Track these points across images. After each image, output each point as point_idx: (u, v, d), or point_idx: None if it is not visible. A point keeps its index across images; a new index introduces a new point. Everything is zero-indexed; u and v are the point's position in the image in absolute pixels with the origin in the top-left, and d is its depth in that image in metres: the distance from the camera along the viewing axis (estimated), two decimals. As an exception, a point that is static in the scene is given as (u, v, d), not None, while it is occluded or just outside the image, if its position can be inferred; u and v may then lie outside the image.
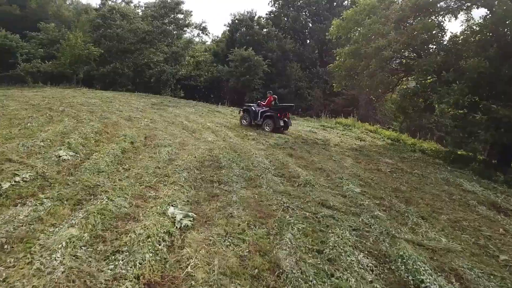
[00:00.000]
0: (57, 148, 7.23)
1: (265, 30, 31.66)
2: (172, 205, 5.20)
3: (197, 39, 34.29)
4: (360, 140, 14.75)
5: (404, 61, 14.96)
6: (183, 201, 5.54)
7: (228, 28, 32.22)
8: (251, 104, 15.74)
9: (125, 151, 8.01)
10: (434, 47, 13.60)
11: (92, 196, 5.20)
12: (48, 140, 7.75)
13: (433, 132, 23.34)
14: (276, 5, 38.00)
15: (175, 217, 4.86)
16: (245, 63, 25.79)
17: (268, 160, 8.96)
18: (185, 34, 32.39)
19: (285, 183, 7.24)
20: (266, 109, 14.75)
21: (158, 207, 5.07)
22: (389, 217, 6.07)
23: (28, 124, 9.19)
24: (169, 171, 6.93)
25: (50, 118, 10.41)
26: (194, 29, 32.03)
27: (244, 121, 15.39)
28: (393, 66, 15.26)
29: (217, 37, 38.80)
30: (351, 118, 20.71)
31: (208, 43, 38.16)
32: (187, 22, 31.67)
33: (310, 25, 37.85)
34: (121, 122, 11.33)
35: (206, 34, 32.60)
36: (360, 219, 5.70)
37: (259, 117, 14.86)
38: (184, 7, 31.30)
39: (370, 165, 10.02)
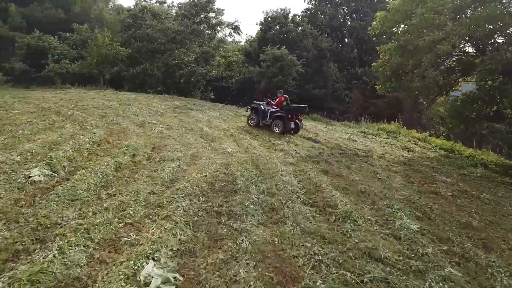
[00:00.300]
0: (33, 165, 5.81)
1: (300, 28, 29.81)
2: (153, 258, 3.63)
3: (229, 39, 32.98)
4: (408, 151, 12.64)
5: (464, 57, 12.70)
6: (172, 249, 3.95)
7: (260, 26, 30.66)
8: (260, 103, 14.48)
9: (120, 168, 6.55)
10: (503, 40, 11.34)
11: (39, 245, 3.68)
12: (29, 153, 6.42)
13: (487, 139, 20.57)
14: (312, 2, 36.13)
15: (150, 284, 3.30)
16: (278, 62, 24.02)
17: (297, 179, 7.22)
18: (216, 33, 31.19)
19: (317, 216, 5.46)
20: (277, 109, 13.57)
21: (131, 262, 3.49)
22: (467, 276, 4.23)
23: (20, 131, 8.00)
24: (165, 198, 5.32)
25: (51, 124, 9.25)
26: (226, 28, 30.75)
27: (252, 121, 14.17)
28: (450, 64, 13.05)
29: (251, 37, 37.44)
30: (395, 123, 18.52)
31: (242, 43, 36.78)
32: (218, 21, 30.43)
33: (349, 22, 35.65)
34: (131, 128, 10.05)
35: (238, 34, 31.20)
36: (427, 285, 3.89)
37: (268, 117, 13.69)
38: (215, 5, 30.19)
39: (424, 186, 8.04)
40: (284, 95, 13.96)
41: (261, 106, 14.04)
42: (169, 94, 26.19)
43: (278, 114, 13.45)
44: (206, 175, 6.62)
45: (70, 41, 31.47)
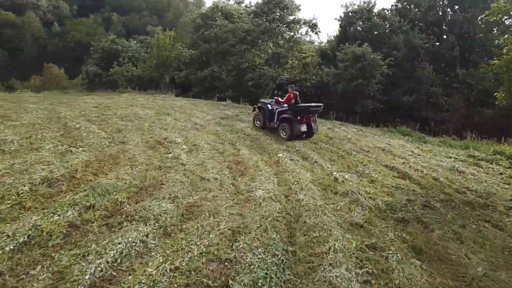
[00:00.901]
0: None
1: (387, 23, 25.32)
2: None
3: (305, 38, 29.64)
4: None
5: None
6: None
7: (340, 22, 26.81)
8: (268, 101, 12.52)
9: (29, 245, 3.78)
10: None
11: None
12: None
13: None
14: (404, -8, 31.10)
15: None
16: (358, 63, 20.11)
17: (362, 276, 3.77)
18: (291, 32, 28.16)
19: None
20: (285, 108, 11.53)
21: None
22: None
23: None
24: None
25: (32, 143, 7.09)
26: (302, 25, 27.54)
27: (258, 122, 12.36)
28: None
29: (332, 37, 33.49)
30: (516, 142, 13.58)
31: (323, 43, 32.85)
32: (293, 18, 27.43)
33: (449, 16, 29.99)
34: (135, 151, 7.60)
35: (316, 33, 27.66)
36: None
37: (275, 119, 11.67)
38: (290, 1, 27.20)
39: None
40: (295, 91, 11.70)
41: (268, 105, 12.11)
42: (238, 99, 23.91)
43: (286, 115, 11.35)
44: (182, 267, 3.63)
45: (144, 44, 31.09)
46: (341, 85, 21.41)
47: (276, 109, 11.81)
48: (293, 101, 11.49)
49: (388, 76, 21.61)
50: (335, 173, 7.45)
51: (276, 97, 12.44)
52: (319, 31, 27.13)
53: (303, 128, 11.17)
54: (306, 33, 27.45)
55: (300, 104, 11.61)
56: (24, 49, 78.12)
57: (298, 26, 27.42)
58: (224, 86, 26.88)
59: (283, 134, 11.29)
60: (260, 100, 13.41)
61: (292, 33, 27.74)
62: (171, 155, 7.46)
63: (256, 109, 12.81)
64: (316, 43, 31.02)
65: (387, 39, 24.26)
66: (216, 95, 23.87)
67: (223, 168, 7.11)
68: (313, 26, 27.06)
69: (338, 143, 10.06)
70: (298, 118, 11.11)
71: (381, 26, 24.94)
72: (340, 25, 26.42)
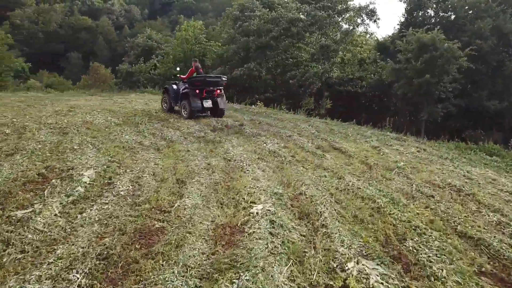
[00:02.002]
0: None
1: (469, 4, 19.39)
2: None
3: (360, 29, 24.33)
4: None
5: None
6: None
7: (406, 6, 21.37)
8: (175, 82, 11.24)
9: None
10: None
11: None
12: None
13: None
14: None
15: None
16: (425, 53, 14.84)
17: None
18: (343, 22, 23.31)
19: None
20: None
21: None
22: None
23: None
24: None
25: None
26: (357, 13, 22.56)
27: (165, 105, 11.35)
28: None
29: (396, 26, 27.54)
30: None
31: (384, 37, 26.96)
32: (346, 5, 22.57)
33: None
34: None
35: (375, 21, 22.41)
36: None
37: (180, 99, 10.53)
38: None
39: None
40: (197, 64, 10.80)
41: (173, 85, 10.96)
42: (278, 102, 19.93)
43: (184, 91, 10.28)
44: None
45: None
46: (401, 84, 16.21)
47: (182, 89, 10.43)
48: (195, 74, 10.45)
49: (467, 72, 16.02)
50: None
51: (179, 75, 11.00)
52: (378, 18, 21.85)
53: (206, 103, 10.04)
54: (362, 22, 22.29)
55: (199, 75, 10.52)
56: (97, 51, 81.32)
57: (352, 14, 22.54)
58: (263, 87, 22.93)
59: (184, 113, 10.22)
60: (167, 82, 12.17)
61: (344, 23, 22.93)
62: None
63: (163, 92, 11.52)
64: (374, 35, 25.53)
65: (468, 25, 18.49)
66: (249, 97, 20.01)
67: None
68: (371, 13, 21.97)
69: (379, 178, 5.70)
70: (197, 92, 9.88)
71: (461, 8, 19.12)
72: (406, 8, 21.08)
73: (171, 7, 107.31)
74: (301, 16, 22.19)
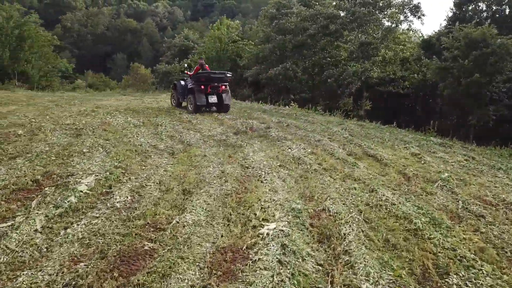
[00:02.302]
0: None
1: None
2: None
3: (403, 26, 22.72)
4: None
5: None
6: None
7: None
8: (183, 78, 11.80)
9: None
10: None
11: None
12: None
13: None
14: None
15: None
16: (474, 50, 13.44)
17: None
18: (384, 20, 21.93)
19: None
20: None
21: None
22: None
23: None
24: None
25: None
26: (400, 9, 21.15)
27: (174, 101, 11.92)
28: None
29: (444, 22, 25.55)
30: None
31: (426, 34, 24.86)
32: (388, 1, 21.20)
33: None
34: None
35: (419, 17, 20.84)
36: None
37: (186, 95, 10.93)
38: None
39: None
40: (202, 61, 11.31)
41: (181, 81, 11.45)
42: (314, 101, 19.20)
43: (190, 86, 10.70)
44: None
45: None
46: (447, 84, 14.85)
47: (188, 84, 10.82)
48: (200, 71, 10.73)
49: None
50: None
51: (186, 71, 11.52)
52: (423, 15, 20.40)
53: (212, 99, 10.44)
54: (405, 19, 20.89)
55: (203, 71, 10.83)
56: (141, 52, 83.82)
57: (395, 10, 21.19)
58: (299, 87, 22.14)
59: (190, 107, 10.65)
60: (176, 79, 12.57)
61: (386, 21, 21.56)
62: None
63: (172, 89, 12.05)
64: (418, 32, 23.78)
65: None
66: (283, 98, 19.32)
67: None
68: (415, 9, 20.51)
69: (418, 192, 4.91)
70: (202, 87, 10.27)
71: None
72: (455, 2, 19.48)
73: (212, 8, 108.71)
74: (340, 13, 21.22)
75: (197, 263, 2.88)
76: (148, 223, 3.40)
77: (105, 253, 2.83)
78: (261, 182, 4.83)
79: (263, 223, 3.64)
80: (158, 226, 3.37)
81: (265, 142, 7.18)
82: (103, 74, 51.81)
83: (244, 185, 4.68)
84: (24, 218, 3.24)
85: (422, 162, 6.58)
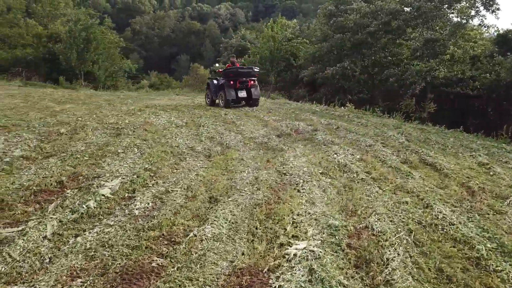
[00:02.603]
0: None
1: None
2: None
3: (474, 21, 20.42)
4: None
5: None
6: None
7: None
8: (215, 78, 11.99)
9: None
10: None
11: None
12: None
13: None
14: None
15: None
16: None
17: None
18: (452, 14, 19.98)
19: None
20: None
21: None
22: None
23: None
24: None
25: None
26: (471, 3, 19.14)
27: (208, 99, 12.02)
28: None
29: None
30: None
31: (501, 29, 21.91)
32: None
33: None
34: None
35: (493, 11, 18.60)
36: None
37: (218, 92, 11.31)
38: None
39: None
40: (233, 60, 11.74)
41: (214, 81, 11.76)
42: (373, 102, 18.15)
43: (220, 83, 11.10)
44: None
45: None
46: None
47: (220, 82, 11.23)
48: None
49: None
50: None
51: (219, 70, 11.80)
52: (497, 9, 18.26)
53: (241, 94, 10.78)
54: (477, 13, 18.77)
55: (232, 67, 11.24)
56: (203, 53, 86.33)
57: (465, 5, 19.23)
58: (357, 87, 21.04)
59: (221, 103, 11.06)
60: (209, 78, 12.83)
61: (455, 16, 19.61)
62: None
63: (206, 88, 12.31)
64: (492, 28, 21.36)
65: None
66: (339, 98, 18.43)
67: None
68: (488, 3, 18.38)
69: (484, 210, 4.11)
70: (231, 83, 10.65)
71: None
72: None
73: (274, 8, 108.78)
74: (403, 8, 19.80)
75: (207, 287, 2.52)
76: (163, 234, 3.11)
77: (107, 269, 2.57)
78: (298, 191, 4.37)
79: (292, 241, 3.19)
80: (172, 239, 3.07)
81: (309, 146, 6.66)
82: (167, 75, 53.94)
83: (278, 194, 4.25)
84: (36, 222, 3.10)
85: (491, 173, 5.66)
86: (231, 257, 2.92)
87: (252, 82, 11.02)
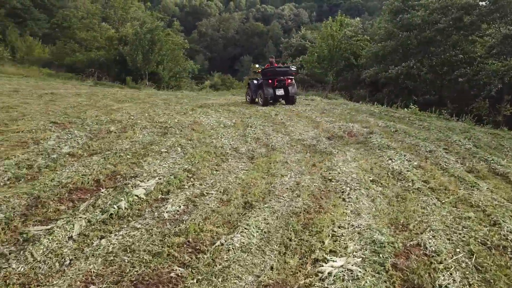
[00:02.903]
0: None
1: None
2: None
3: None
4: None
5: None
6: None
7: None
8: (255, 78, 12.33)
9: None
10: None
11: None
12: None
13: None
14: None
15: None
16: None
17: None
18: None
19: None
20: None
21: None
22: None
23: None
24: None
25: None
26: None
27: (248, 97, 12.42)
28: None
29: None
30: None
31: None
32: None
33: None
34: None
35: None
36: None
37: (257, 91, 11.70)
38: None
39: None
40: (272, 60, 12.16)
41: (254, 81, 12.08)
42: (440, 104, 16.84)
43: (259, 82, 11.54)
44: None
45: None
46: None
47: (260, 82, 11.55)
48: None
49: None
50: None
51: (258, 70, 12.00)
52: None
53: (279, 92, 11.03)
54: None
55: (270, 67, 11.56)
56: (266, 53, 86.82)
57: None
58: (423, 87, 19.55)
59: (260, 101, 11.34)
60: (250, 77, 13.08)
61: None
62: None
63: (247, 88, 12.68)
64: None
65: None
66: (402, 99, 17.20)
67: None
68: None
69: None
70: (269, 81, 10.96)
71: None
72: None
73: (338, 7, 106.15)
74: (478, 2, 18.00)
75: (226, 304, 2.31)
76: (188, 241, 2.94)
77: (123, 276, 2.45)
78: (343, 200, 3.99)
79: (329, 257, 2.86)
80: (197, 247, 2.88)
81: (362, 150, 6.16)
82: (230, 75, 54.97)
83: (320, 202, 3.91)
84: (65, 222, 3.08)
85: None
86: (259, 271, 2.67)
87: (289, 80, 11.34)
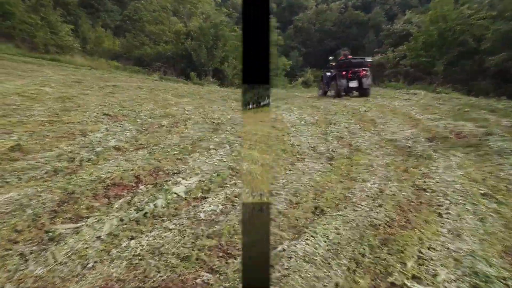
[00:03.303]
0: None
1: None
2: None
3: None
4: None
5: None
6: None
7: None
8: (329, 70, 12.45)
9: None
10: None
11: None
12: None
13: None
14: None
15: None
16: None
17: None
18: None
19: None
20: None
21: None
22: None
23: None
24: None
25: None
26: None
27: (320, 90, 12.97)
28: None
29: None
30: None
31: None
32: None
33: None
34: None
35: None
36: None
37: (330, 83, 12.01)
38: None
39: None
40: (346, 52, 12.28)
41: (327, 73, 12.49)
42: None
43: (332, 74, 11.87)
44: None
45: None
46: None
47: (332, 74, 11.73)
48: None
49: None
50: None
51: (331, 63, 12.17)
52: None
53: (352, 83, 11.17)
54: None
55: (344, 59, 11.83)
56: (365, 44, 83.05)
57: None
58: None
59: (332, 92, 11.74)
60: (324, 70, 12.83)
61: None
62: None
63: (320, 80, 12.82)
64: None
65: None
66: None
67: None
68: None
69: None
70: (343, 73, 11.21)
71: None
72: None
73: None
74: None
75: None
76: (220, 244, 2.66)
77: (144, 282, 2.22)
78: (438, 215, 3.26)
79: (410, 283, 2.28)
80: (229, 251, 2.57)
81: (473, 155, 5.11)
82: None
83: (407, 215, 3.25)
84: (96, 220, 2.95)
85: None
86: (321, 286, 2.23)
87: (364, 72, 11.45)
